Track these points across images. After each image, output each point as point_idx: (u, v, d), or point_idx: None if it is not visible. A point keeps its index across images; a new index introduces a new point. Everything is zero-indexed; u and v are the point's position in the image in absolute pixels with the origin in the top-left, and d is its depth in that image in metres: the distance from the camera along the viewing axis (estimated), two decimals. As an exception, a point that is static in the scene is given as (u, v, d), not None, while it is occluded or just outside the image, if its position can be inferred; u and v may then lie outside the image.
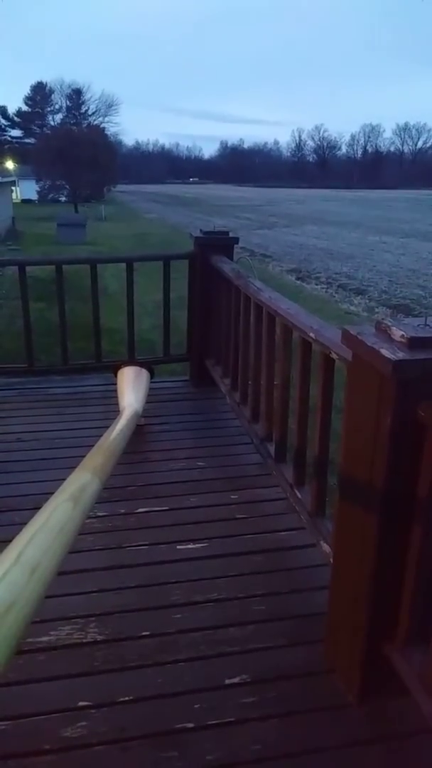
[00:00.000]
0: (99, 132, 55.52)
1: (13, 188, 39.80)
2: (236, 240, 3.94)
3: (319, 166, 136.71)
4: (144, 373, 3.52)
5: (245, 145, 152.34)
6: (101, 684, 1.72)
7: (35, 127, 73.71)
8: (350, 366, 1.61)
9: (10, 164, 52.10)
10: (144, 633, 1.90)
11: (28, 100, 78.39)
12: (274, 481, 2.65)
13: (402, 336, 1.36)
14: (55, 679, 1.73)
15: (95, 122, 69.74)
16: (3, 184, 30.02)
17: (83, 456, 1.98)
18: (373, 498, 1.49)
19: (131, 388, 3.27)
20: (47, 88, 77.73)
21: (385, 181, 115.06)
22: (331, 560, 1.83)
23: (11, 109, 78.91)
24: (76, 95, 75.34)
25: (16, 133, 78.34)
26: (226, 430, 3.41)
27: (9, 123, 79.15)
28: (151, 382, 3.56)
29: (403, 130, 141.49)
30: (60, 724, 1.58)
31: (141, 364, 3.62)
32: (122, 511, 2.57)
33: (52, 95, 77.86)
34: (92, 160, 40.67)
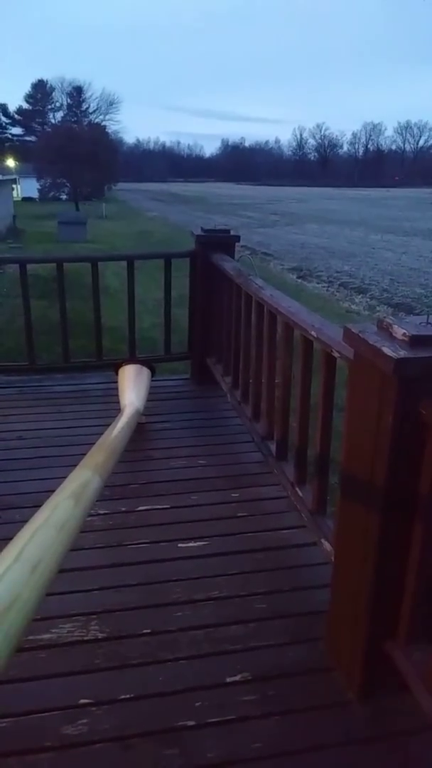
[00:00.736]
0: (100, 130, 55.57)
1: (14, 186, 39.82)
2: (237, 238, 3.94)
3: (320, 165, 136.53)
4: (145, 372, 3.52)
5: (246, 144, 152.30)
6: (102, 682, 1.72)
7: (36, 125, 73.67)
8: (352, 364, 1.61)
9: (10, 162, 52.09)
10: (145, 631, 1.90)
11: (29, 97, 78.35)
12: (275, 479, 2.65)
13: (404, 334, 1.36)
14: (56, 677, 1.74)
15: (96, 120, 69.75)
16: (4, 182, 30.03)
17: (84, 454, 1.98)
18: (374, 496, 1.49)
19: (132, 387, 3.27)
20: (48, 85, 77.70)
21: (386, 180, 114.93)
22: (332, 558, 1.83)
23: (12, 107, 78.94)
24: (76, 93, 75.29)
25: (16, 131, 78.34)
26: (227, 428, 3.41)
27: (10, 121, 79.07)
28: (152, 381, 3.56)
29: (405, 129, 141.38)
30: (61, 722, 1.58)
31: (142, 362, 3.62)
32: (123, 509, 2.58)
33: (53, 93, 77.85)
34: (93, 158, 40.69)
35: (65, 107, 77.07)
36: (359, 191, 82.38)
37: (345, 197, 63.42)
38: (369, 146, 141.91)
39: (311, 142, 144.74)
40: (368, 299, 13.60)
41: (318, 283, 15.48)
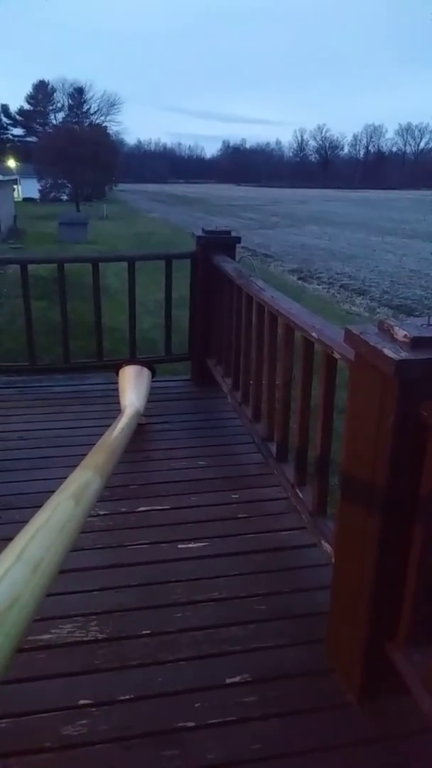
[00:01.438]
0: (101, 131, 55.58)
1: (15, 187, 39.76)
2: (238, 239, 3.94)
3: (321, 167, 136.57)
4: (145, 372, 3.52)
5: (247, 145, 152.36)
6: (102, 682, 1.72)
7: (37, 126, 73.78)
8: (352, 366, 1.61)
9: (11, 163, 52.13)
10: (145, 632, 1.90)
11: (30, 98, 78.50)
12: (276, 480, 2.65)
13: (405, 336, 1.36)
14: (55, 677, 1.73)
15: (97, 121, 69.87)
16: (5, 183, 30.02)
17: (85, 455, 1.98)
18: (374, 498, 1.49)
19: (132, 387, 3.27)
20: (49, 86, 77.88)
21: (387, 182, 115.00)
22: (333, 560, 1.83)
23: (13, 108, 79.10)
24: (78, 94, 75.43)
25: (18, 131, 78.54)
26: (228, 429, 3.41)
27: (11, 121, 79.26)
28: (153, 381, 3.56)
29: (406, 131, 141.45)
30: (61, 723, 1.58)
31: (142, 363, 3.61)
32: (123, 509, 2.58)
33: (54, 94, 78.03)
34: (94, 159, 40.71)
35: (66, 108, 77.32)
36: (360, 193, 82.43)
37: (346, 199, 63.46)
38: (370, 148, 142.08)
39: (312, 143, 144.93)
40: (368, 301, 13.61)
41: (318, 285, 15.49)
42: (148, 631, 1.90)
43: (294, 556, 2.32)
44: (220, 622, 1.95)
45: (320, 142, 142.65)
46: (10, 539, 1.26)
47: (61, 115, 76.84)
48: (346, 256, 20.55)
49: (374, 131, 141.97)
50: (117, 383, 3.44)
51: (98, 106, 74.66)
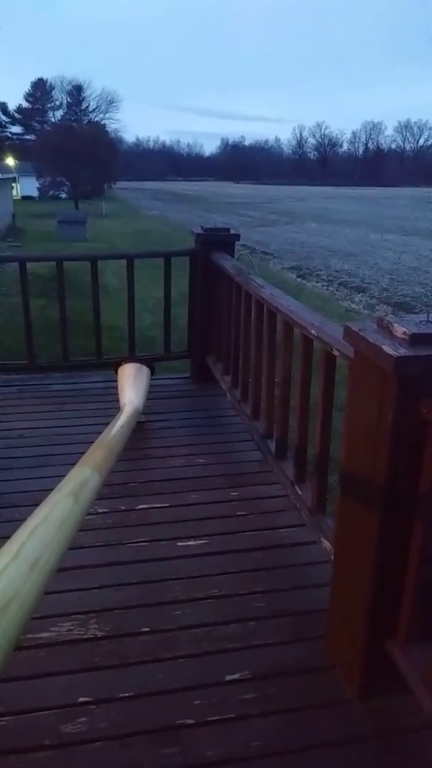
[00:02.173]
0: (99, 128, 55.55)
1: (14, 185, 39.79)
2: (237, 237, 3.93)
3: (320, 164, 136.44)
4: (144, 370, 3.52)
5: (246, 143, 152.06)
6: (101, 680, 1.72)
7: (36, 124, 73.67)
8: (352, 363, 1.60)
9: (10, 161, 52.01)
10: (144, 629, 1.90)
11: (29, 96, 78.35)
12: (275, 478, 2.65)
13: (404, 332, 1.36)
14: (55, 675, 1.73)
15: (96, 119, 69.76)
16: (3, 181, 30.01)
17: (84, 452, 1.99)
18: (374, 495, 1.49)
19: (132, 385, 3.27)
20: (47, 84, 77.73)
21: (386, 179, 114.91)
22: (332, 557, 1.83)
23: (12, 106, 78.92)
24: (76, 91, 75.29)
25: (16, 129, 78.34)
26: (227, 427, 3.41)
27: (9, 119, 79.09)
28: (152, 379, 3.56)
29: (405, 128, 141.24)
30: (60, 720, 1.58)
31: (142, 361, 3.61)
32: (122, 507, 2.57)
33: (53, 91, 77.91)
34: (93, 157, 40.64)
35: (65, 106, 77.22)
36: (359, 190, 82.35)
37: (345, 196, 63.40)
38: (369, 145, 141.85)
39: (311, 141, 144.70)
40: (368, 298, 13.61)
41: (317, 282, 15.49)
42: (148, 629, 1.90)
43: (293, 553, 2.32)
44: (220, 619, 1.95)
45: (319, 140, 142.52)
46: (9, 537, 1.26)
47: (59, 113, 76.86)
48: (345, 254, 20.54)
49: (373, 128, 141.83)
50: (116, 381, 3.44)
51: (97, 103, 74.63)
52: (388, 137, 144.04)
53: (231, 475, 2.88)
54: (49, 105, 78.36)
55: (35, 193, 48.62)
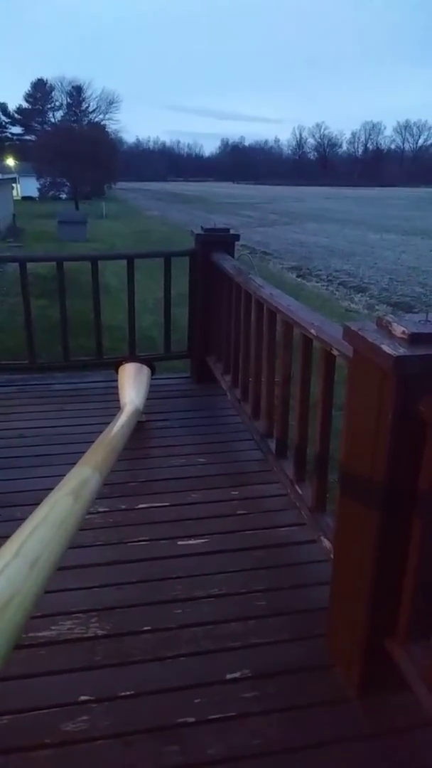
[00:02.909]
0: (100, 129, 55.54)
1: (14, 185, 39.79)
2: (237, 237, 3.94)
3: (319, 164, 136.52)
4: (145, 370, 3.52)
5: (246, 143, 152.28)
6: (102, 678, 1.72)
7: (36, 124, 73.62)
8: (351, 362, 1.61)
9: (10, 161, 52.07)
10: (145, 628, 1.91)
11: (29, 97, 78.33)
12: (275, 477, 2.65)
13: (403, 332, 1.37)
14: (56, 674, 1.74)
15: (96, 119, 69.73)
16: (4, 181, 30.01)
17: (84, 452, 1.99)
18: (373, 494, 1.49)
19: (132, 385, 3.27)
20: (48, 85, 77.71)
21: (385, 179, 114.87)
22: (332, 556, 1.83)
23: (12, 106, 78.92)
24: (76, 92, 75.25)
25: (16, 130, 78.33)
26: (227, 426, 3.41)
27: (9, 120, 79.06)
28: (152, 379, 3.56)
29: (404, 128, 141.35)
30: (61, 719, 1.58)
31: (142, 361, 3.62)
32: (123, 506, 2.58)
33: (53, 92, 77.88)
34: (93, 158, 40.64)
35: (65, 106, 77.16)
36: (358, 190, 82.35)
37: (344, 196, 63.39)
38: (368, 145, 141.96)
39: (311, 141, 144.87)
40: (367, 298, 13.60)
41: (317, 282, 15.48)
42: (149, 628, 1.91)
43: (293, 552, 2.32)
44: (220, 618, 1.95)
45: (319, 140, 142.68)
46: (9, 536, 1.26)
47: (59, 114, 76.81)
48: (344, 254, 20.53)
49: (373, 128, 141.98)
50: (116, 381, 3.45)
51: (97, 104, 74.60)
52: (388, 137, 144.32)
53: (231, 474, 2.88)
54: (49, 105, 78.39)
55: (35, 194, 48.60)
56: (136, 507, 2.59)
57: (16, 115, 78.62)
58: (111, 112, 74.52)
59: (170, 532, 2.40)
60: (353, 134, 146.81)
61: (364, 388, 1.50)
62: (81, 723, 1.57)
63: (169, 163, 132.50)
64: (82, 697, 1.65)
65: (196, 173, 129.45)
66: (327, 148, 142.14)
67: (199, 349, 4.01)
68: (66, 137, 42.85)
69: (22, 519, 1.38)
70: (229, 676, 1.73)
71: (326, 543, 2.00)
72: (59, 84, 76.85)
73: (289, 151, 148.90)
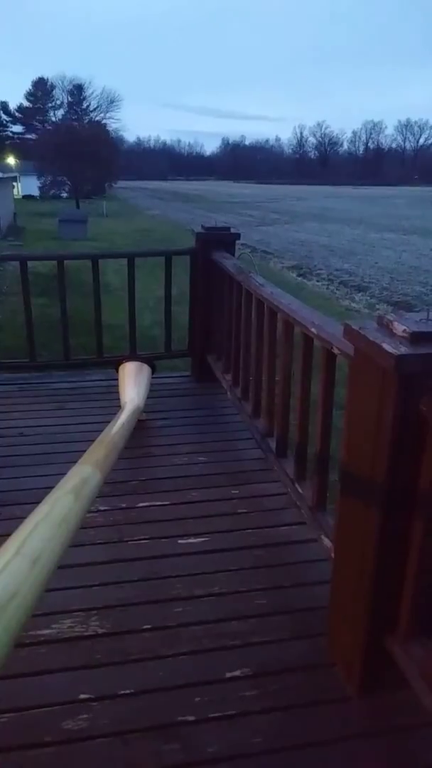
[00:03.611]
0: (100, 128, 55.39)
1: (15, 184, 39.80)
2: (238, 236, 3.94)
3: (320, 163, 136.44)
4: (145, 369, 3.52)
5: (247, 142, 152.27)
6: (103, 677, 1.73)
7: (36, 123, 73.52)
8: (352, 361, 1.61)
9: (11, 160, 52.04)
10: (145, 626, 1.91)
11: (30, 95, 78.29)
12: (275, 476, 2.65)
13: (404, 331, 1.36)
14: (56, 672, 1.74)
15: (97, 118, 69.60)
16: (4, 180, 29.96)
17: (85, 450, 1.99)
18: (374, 493, 1.49)
19: (133, 384, 3.27)
20: (48, 83, 77.66)
21: (386, 178, 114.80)
22: (332, 555, 1.83)
23: (13, 105, 78.92)
24: (77, 91, 75.22)
25: (17, 128, 78.32)
26: (228, 425, 3.41)
27: (10, 119, 79.11)
28: (153, 378, 3.56)
29: (405, 127, 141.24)
30: (61, 717, 1.58)
31: (142, 360, 3.62)
32: (123, 505, 2.58)
33: (54, 91, 77.82)
34: (94, 156, 40.58)
35: (66, 105, 77.09)
36: (359, 189, 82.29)
37: (345, 195, 63.37)
38: (369, 144, 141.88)
39: (311, 140, 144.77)
40: (368, 297, 13.60)
41: (318, 282, 15.48)
42: (149, 626, 1.91)
43: (294, 551, 2.33)
44: (221, 616, 1.96)
45: (319, 139, 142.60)
46: (10, 534, 1.26)
47: (60, 113, 76.72)
48: (345, 253, 20.53)
49: (373, 127, 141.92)
50: (117, 380, 3.45)
51: (98, 103, 74.53)
52: (389, 136, 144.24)
53: (232, 473, 2.88)
54: (50, 104, 78.35)
55: (36, 192, 48.55)
56: (137, 505, 2.59)
57: (17, 114, 78.66)
58: (112, 111, 74.44)
59: (170, 531, 2.40)
60: (354, 133, 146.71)
61: (365, 387, 1.50)
62: (81, 721, 1.58)
63: (169, 162, 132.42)
64: (83, 696, 1.65)
65: (196, 172, 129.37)
66: (328, 147, 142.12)
67: (200, 347, 4.01)
68: (67, 136, 42.78)
69: (23, 517, 1.38)
70: (229, 675, 1.73)
71: (326, 542, 2.00)
72: (60, 83, 76.94)
73: (290, 150, 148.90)
